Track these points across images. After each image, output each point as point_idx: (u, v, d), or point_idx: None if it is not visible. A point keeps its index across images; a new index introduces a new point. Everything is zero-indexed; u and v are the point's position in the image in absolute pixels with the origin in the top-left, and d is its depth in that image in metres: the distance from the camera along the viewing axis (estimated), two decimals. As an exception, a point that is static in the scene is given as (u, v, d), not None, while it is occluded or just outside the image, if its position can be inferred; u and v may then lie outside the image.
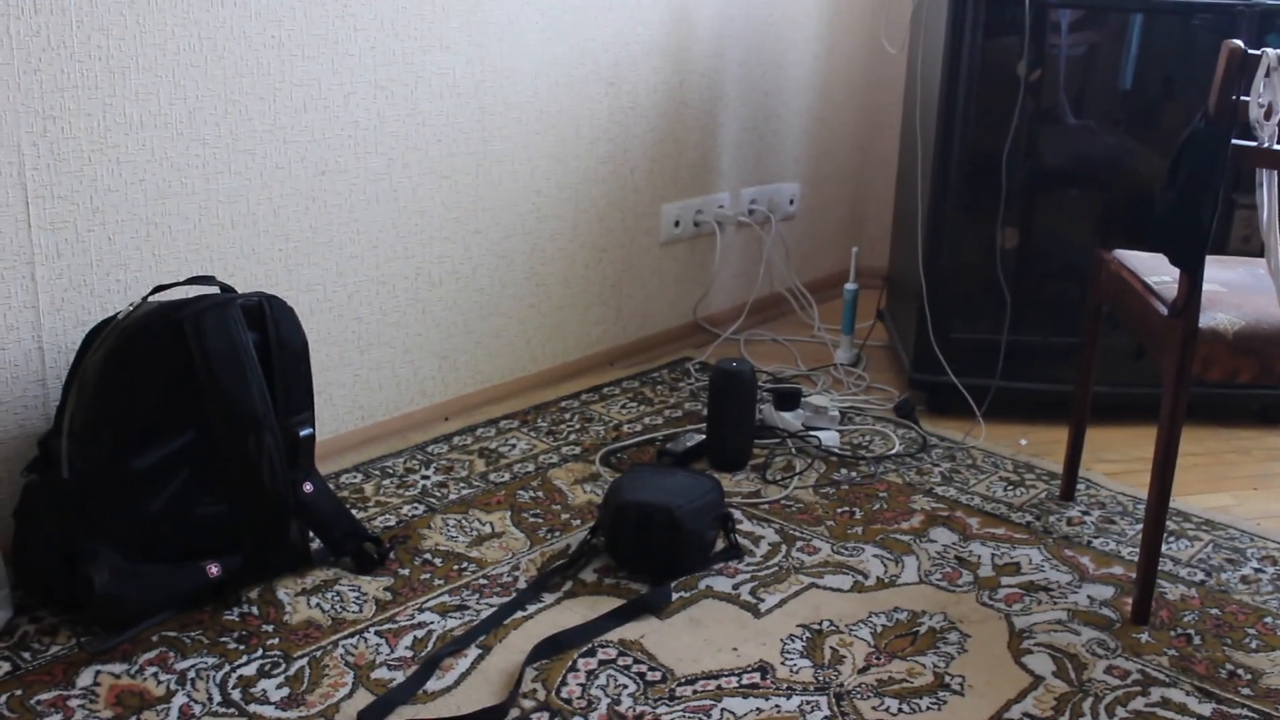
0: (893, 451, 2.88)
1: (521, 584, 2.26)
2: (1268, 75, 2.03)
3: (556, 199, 3.07)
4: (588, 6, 3.02)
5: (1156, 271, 2.33)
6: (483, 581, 2.27)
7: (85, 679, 1.95)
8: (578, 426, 2.95)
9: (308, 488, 2.26)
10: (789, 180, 3.74)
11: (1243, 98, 2.06)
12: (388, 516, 2.50)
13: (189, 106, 2.36)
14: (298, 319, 2.25)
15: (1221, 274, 2.37)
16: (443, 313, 2.90)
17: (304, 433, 2.25)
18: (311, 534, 2.29)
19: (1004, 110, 2.95)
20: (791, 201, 3.76)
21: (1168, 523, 2.58)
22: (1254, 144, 2.07)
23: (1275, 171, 2.12)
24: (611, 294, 3.29)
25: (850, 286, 3.38)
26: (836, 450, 2.85)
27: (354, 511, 2.48)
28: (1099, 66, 3.12)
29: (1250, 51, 2.02)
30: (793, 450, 2.85)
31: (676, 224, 3.40)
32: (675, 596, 2.23)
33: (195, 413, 2.11)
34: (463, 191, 2.87)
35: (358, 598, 2.21)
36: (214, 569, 2.13)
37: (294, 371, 2.24)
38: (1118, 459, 2.91)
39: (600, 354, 3.30)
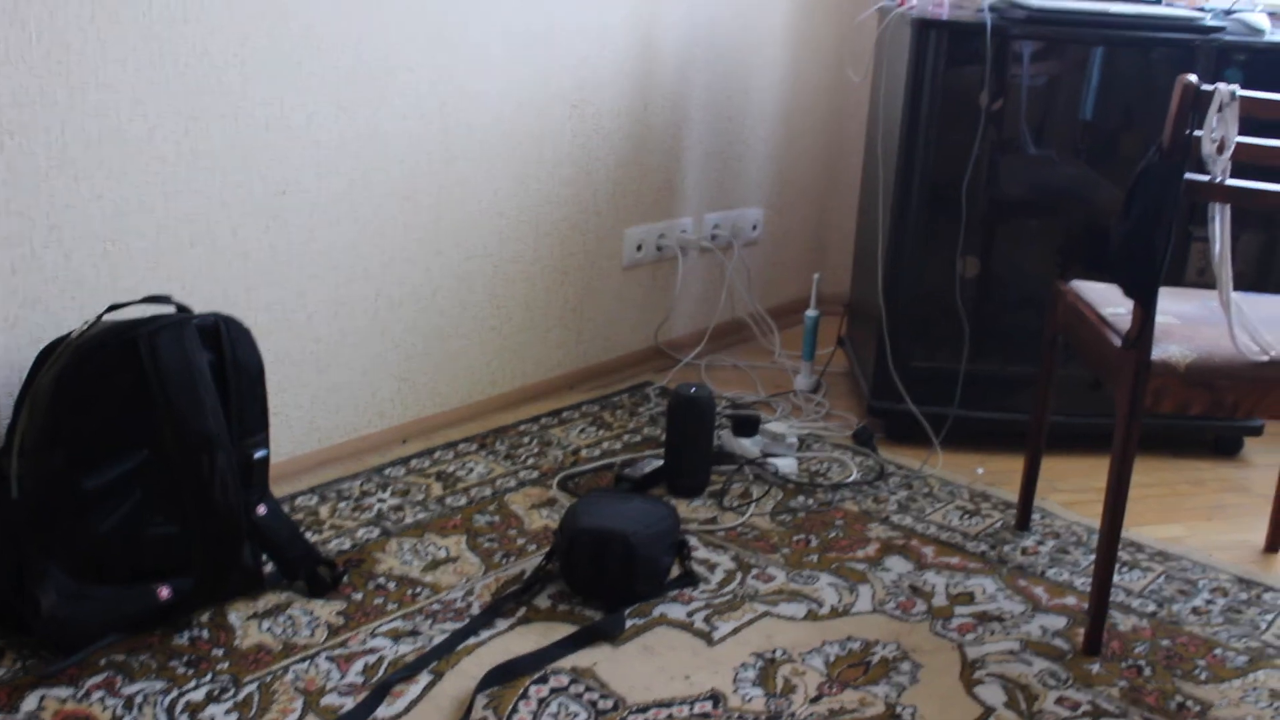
0: (850, 479, 2.89)
1: (475, 609, 2.25)
2: (1220, 111, 2.05)
3: (518, 221, 3.07)
4: (553, 30, 3.03)
5: (1111, 303, 2.35)
6: (436, 606, 2.26)
7: (30, 703, 1.93)
8: (536, 450, 2.94)
9: (261, 510, 2.25)
10: (752, 206, 3.76)
11: (1196, 133, 2.08)
12: (342, 539, 2.49)
13: (149, 124, 2.35)
14: (254, 340, 2.24)
15: (1175, 306, 2.39)
16: (402, 334, 2.89)
17: (258, 454, 2.24)
18: (265, 557, 2.28)
19: (965, 140, 2.97)
20: (755, 227, 3.77)
21: (1121, 553, 2.59)
22: (1206, 178, 2.10)
23: (1227, 206, 2.14)
24: (573, 317, 3.29)
25: (811, 313, 3.39)
26: (794, 477, 2.86)
27: (308, 534, 2.47)
28: (1060, 97, 3.15)
29: (1204, 87, 2.05)
30: (750, 477, 2.85)
31: (639, 248, 3.40)
32: (629, 624, 2.23)
33: (148, 433, 2.09)
34: (424, 213, 2.86)
35: (310, 622, 2.19)
36: (165, 591, 2.11)
37: (249, 393, 2.22)
38: (1073, 489, 2.93)
39: (560, 377, 3.30)
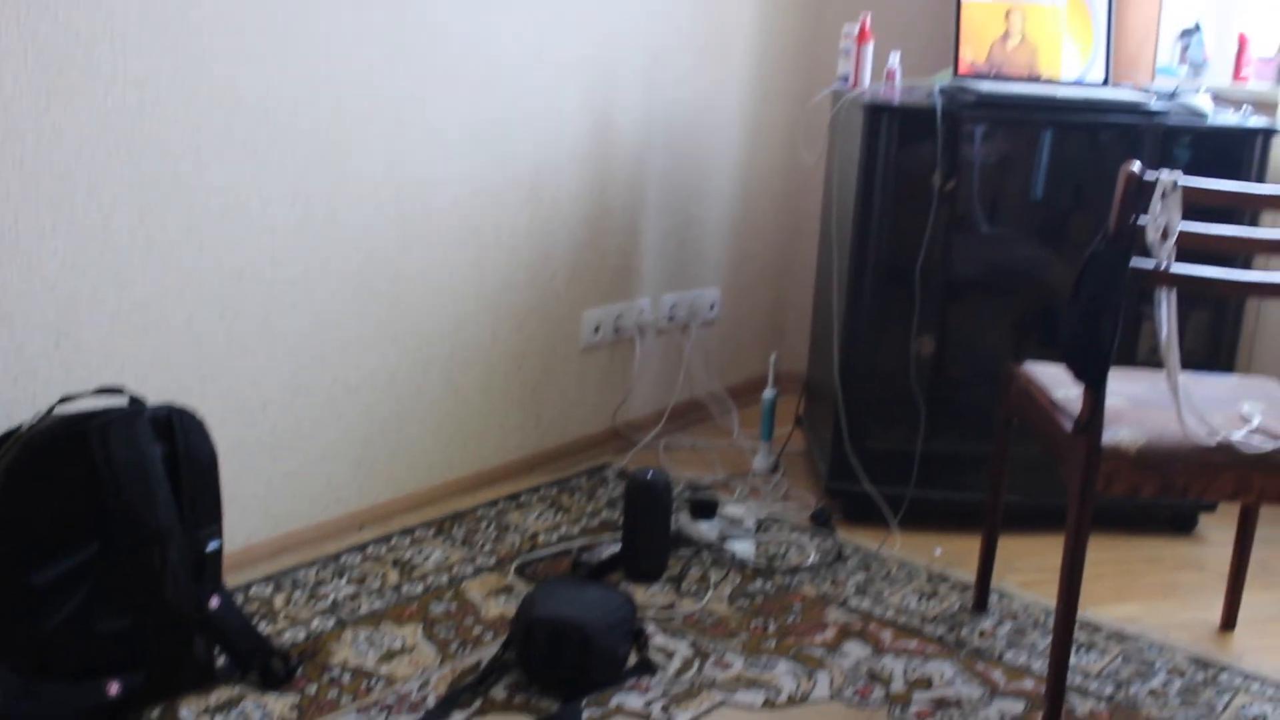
0: (808, 562, 2.89)
1: (431, 701, 2.23)
2: (1164, 198, 2.08)
3: (476, 305, 3.08)
4: (510, 115, 3.05)
5: (1063, 386, 2.37)
6: (391, 699, 2.24)
7: (-26, 804, 1.90)
8: (493, 536, 2.93)
9: (214, 602, 2.23)
10: (710, 286, 3.78)
11: (1141, 220, 2.11)
12: (297, 630, 2.46)
13: (103, 213, 2.35)
14: (207, 431, 2.23)
15: (1126, 387, 2.42)
16: (358, 420, 2.88)
17: (211, 546, 2.22)
18: (217, 649, 2.25)
19: (918, 220, 3.00)
20: (712, 307, 3.79)
21: (1078, 634, 2.60)
22: (1152, 264, 2.13)
23: (1173, 291, 2.17)
24: (530, 400, 3.29)
25: (768, 393, 3.40)
26: (752, 561, 2.85)
27: (262, 625, 2.44)
28: (1011, 177, 3.20)
29: (1147, 176, 2.08)
30: (708, 561, 2.84)
31: (597, 330, 3.41)
32: (586, 714, 2.21)
33: (99, 527, 2.07)
34: (381, 298, 2.87)
35: (263, 716, 2.16)
36: (114, 687, 2.08)
37: (202, 484, 2.21)
38: (1031, 569, 2.93)
39: (518, 461, 3.29)
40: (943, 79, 3.17)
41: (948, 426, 3.15)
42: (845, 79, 3.24)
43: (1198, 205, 2.12)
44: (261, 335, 2.65)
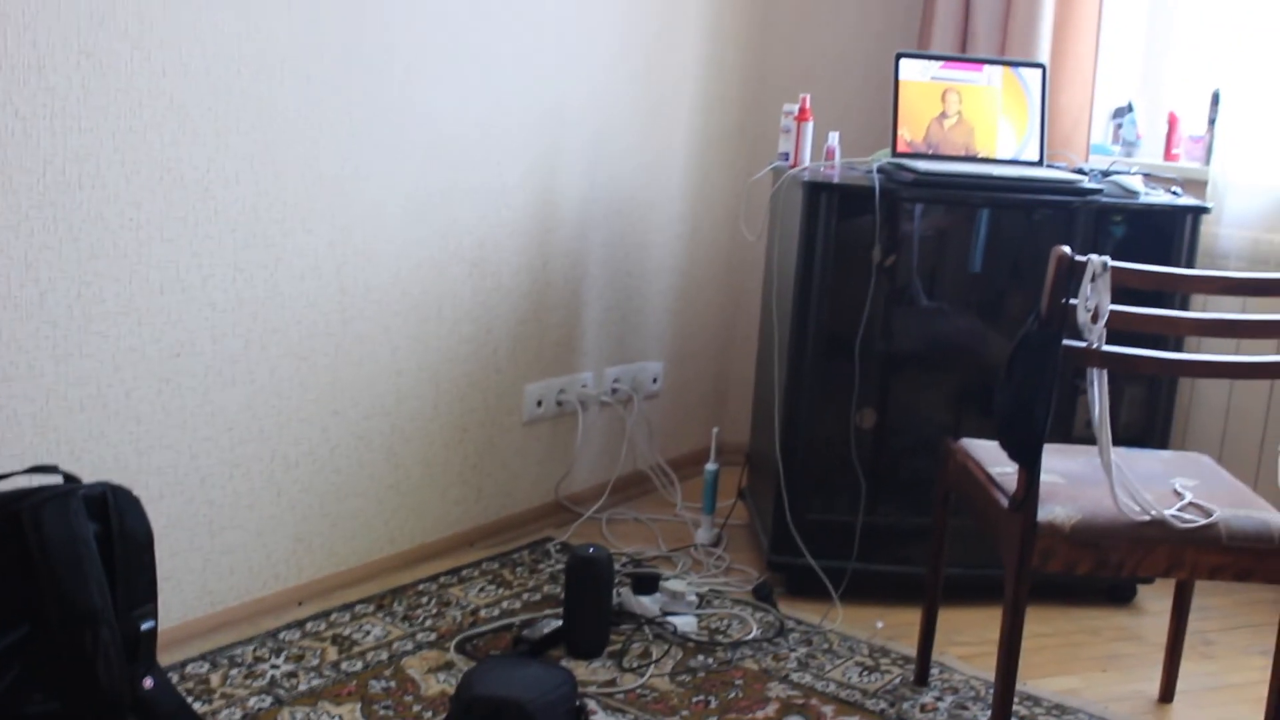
0: (750, 636, 2.89)
1: (367, 782, 2.21)
2: (1094, 280, 2.12)
3: (417, 379, 3.08)
4: (452, 189, 3.07)
5: (999, 462, 2.40)
6: (327, 780, 2.21)
7: None
8: (434, 611, 2.91)
9: (148, 683, 2.19)
10: (653, 359, 3.80)
11: (1072, 301, 2.15)
12: (233, 710, 2.43)
13: (40, 289, 2.34)
14: (143, 509, 2.21)
15: (1062, 464, 2.45)
16: (298, 494, 2.86)
17: (145, 626, 2.19)
18: (150, 731, 2.22)
19: (858, 294, 3.04)
20: (655, 380, 3.81)
21: (1018, 708, 2.61)
22: (1084, 344, 2.17)
23: (1104, 370, 2.21)
24: (472, 474, 3.28)
25: (710, 467, 3.41)
26: (694, 636, 2.85)
27: (198, 705, 2.41)
28: (950, 251, 3.25)
29: (1077, 258, 2.12)
30: (650, 636, 2.84)
31: (539, 404, 3.42)
32: (525, 795, 2.19)
33: (30, 607, 2.04)
34: (321, 373, 2.86)
35: (195, 800, 2.13)
36: (43, 772, 2.05)
37: (137, 563, 2.18)
38: (972, 641, 2.95)
39: (460, 534, 3.28)
40: (881, 157, 3.22)
41: (890, 498, 3.17)
42: (786, 157, 3.28)
43: (1127, 287, 2.16)
44: (200, 410, 2.64)
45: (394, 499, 3.09)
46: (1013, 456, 2.20)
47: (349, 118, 2.81)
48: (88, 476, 2.27)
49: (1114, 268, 2.12)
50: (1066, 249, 2.13)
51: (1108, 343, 2.18)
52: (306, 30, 2.69)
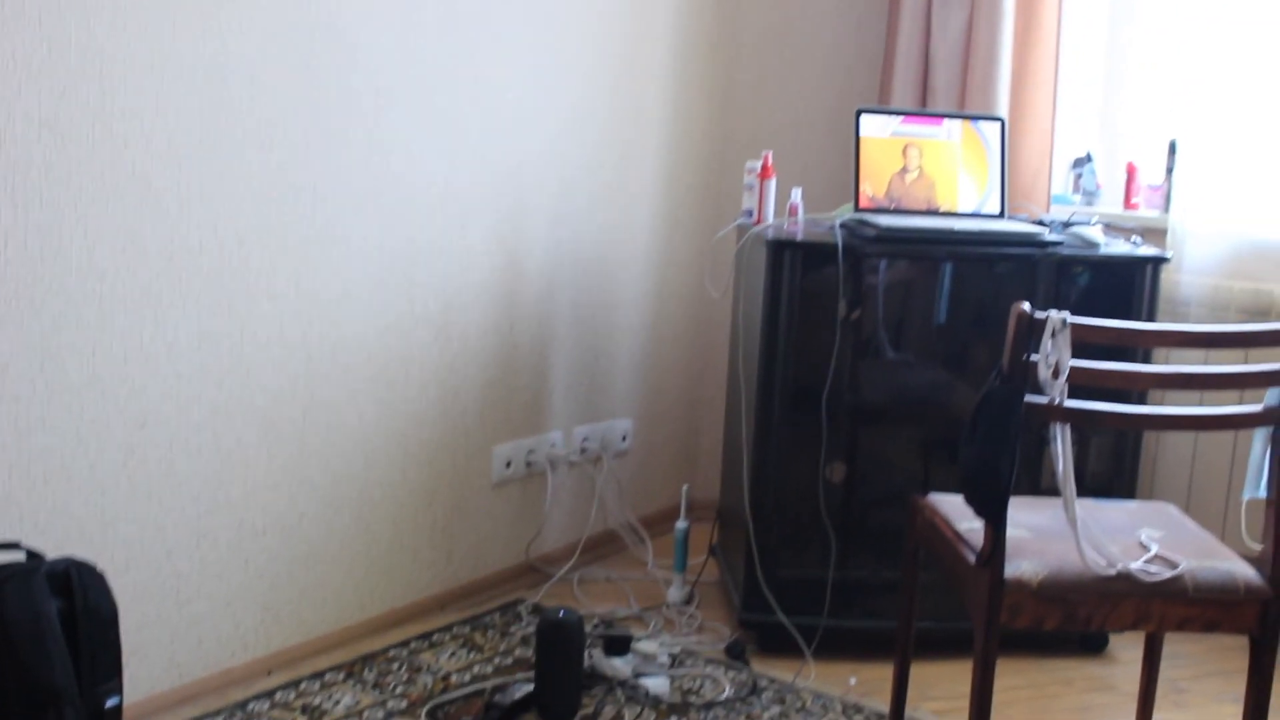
0: (722, 697, 2.88)
1: None
2: (1053, 336, 2.14)
3: (385, 444, 3.07)
4: (417, 252, 3.08)
5: (966, 518, 2.40)
6: None
7: None
8: (405, 678, 2.89)
9: (113, 760, 2.17)
10: (622, 417, 3.80)
11: (1033, 357, 2.16)
12: (201, 784, 2.40)
13: (2, 361, 2.33)
14: (107, 584, 2.19)
15: (1029, 517, 2.46)
16: (266, 563, 2.84)
17: (110, 703, 2.17)
18: (116, 809, 2.19)
19: (824, 348, 3.05)
20: (624, 438, 3.80)
21: (992, 764, 2.60)
22: (1046, 400, 2.18)
23: (1067, 425, 2.22)
24: (442, 537, 3.27)
25: (681, 524, 3.41)
26: (666, 698, 2.83)
27: (164, 780, 2.39)
28: (914, 304, 3.27)
29: (1037, 315, 2.14)
30: (622, 699, 2.82)
31: (508, 465, 3.41)
32: None
33: (-8, 687, 2.02)
34: (288, 440, 2.85)
35: None
36: None
37: (101, 639, 2.17)
38: (945, 696, 2.94)
39: (431, 599, 3.26)
40: (844, 213, 3.24)
41: (861, 552, 3.17)
42: (750, 213, 3.30)
43: (1087, 342, 2.18)
44: (166, 480, 2.62)
45: (363, 564, 3.07)
46: (978, 513, 2.21)
47: (312, 184, 2.82)
48: (52, 551, 2.26)
49: (1073, 324, 2.13)
50: (1026, 306, 2.14)
51: (1071, 396, 2.20)
52: (269, 99, 2.70)
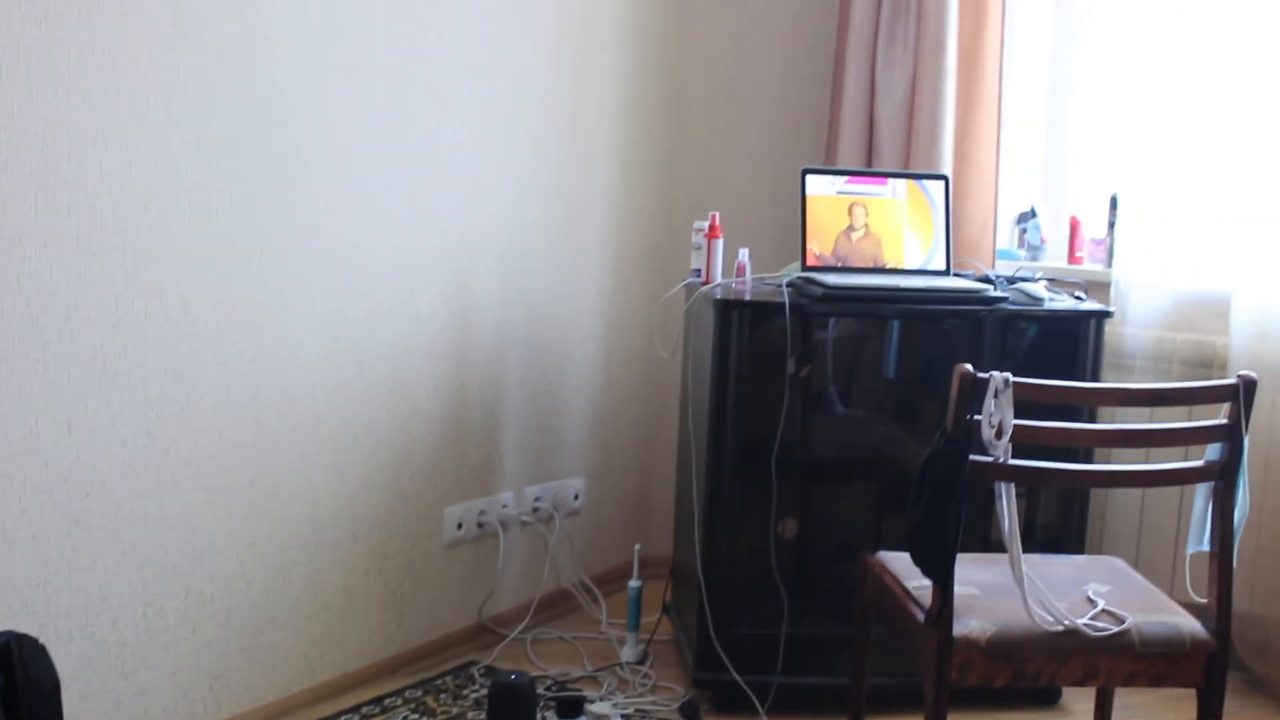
0: (676, 758, 2.87)
1: None
2: (996, 396, 2.16)
3: (335, 508, 3.06)
4: (365, 316, 3.07)
5: (915, 576, 2.41)
6: None
7: None
8: (355, 745, 2.87)
9: (55, 839, 2.14)
10: (574, 476, 3.79)
11: (976, 417, 2.18)
12: None
13: (-57, 433, 2.31)
14: (49, 658, 2.17)
15: (977, 574, 2.47)
16: (215, 631, 2.82)
17: (53, 779, 2.14)
18: None
19: (774, 405, 3.06)
20: (576, 497, 3.80)
21: (946, 822, 2.59)
22: (990, 459, 2.20)
23: (1012, 484, 2.24)
24: (393, 600, 3.24)
25: (634, 584, 3.40)
26: (619, 760, 2.83)
27: None
28: (863, 360, 3.29)
29: (979, 375, 2.16)
30: (575, 762, 2.81)
31: (460, 526, 3.40)
32: None
33: (-69, 766, 1.99)
34: (236, 505, 2.83)
35: None
36: None
37: (44, 714, 2.14)
38: (900, 753, 2.95)
39: (383, 662, 3.23)
40: (792, 271, 3.27)
41: (814, 609, 3.17)
42: (698, 273, 3.32)
43: (1030, 401, 2.21)
44: (111, 549, 2.60)
45: (313, 629, 3.05)
46: (925, 573, 2.22)
47: (259, 249, 2.81)
48: (-8, 626, 2.23)
49: (1016, 383, 2.16)
50: (968, 367, 2.17)
51: (1017, 454, 2.22)
52: (215, 165, 2.70)
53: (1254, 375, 2.25)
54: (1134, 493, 3.53)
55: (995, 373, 2.15)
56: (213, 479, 2.78)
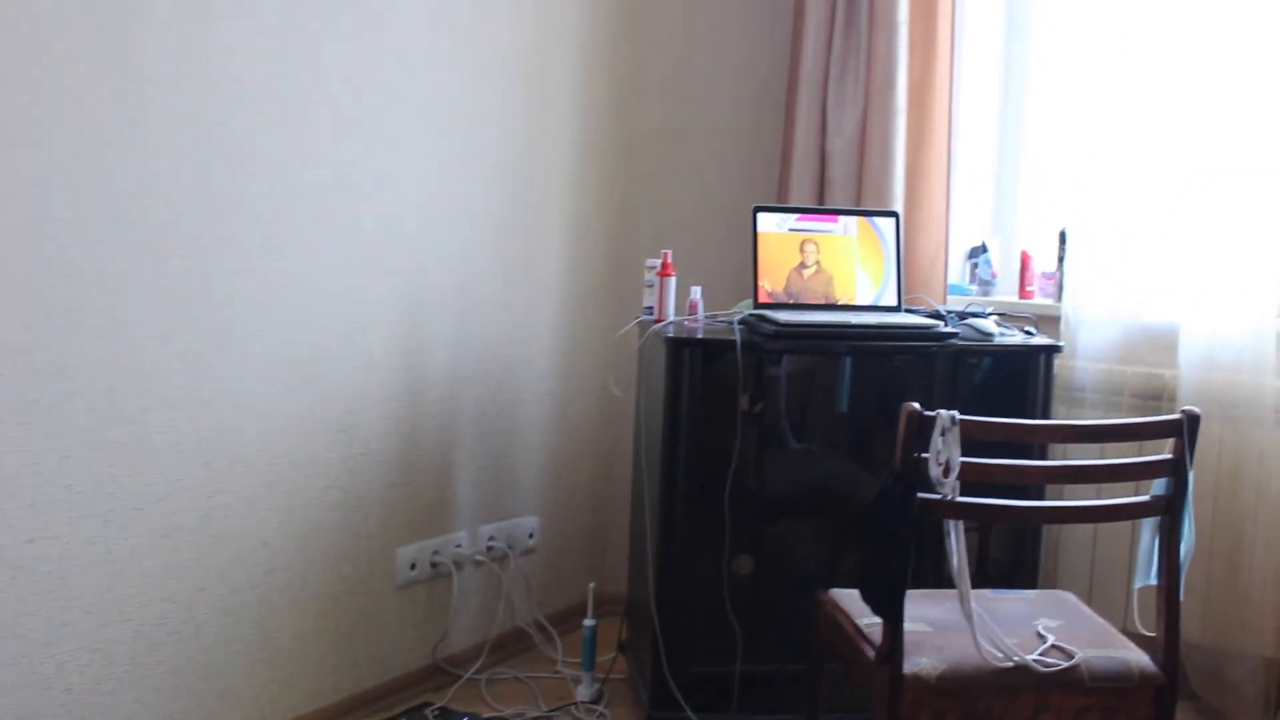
0: (631, 799, 2.85)
1: None
2: (943, 434, 2.17)
3: (286, 550, 3.03)
4: (317, 357, 3.06)
5: (867, 613, 2.42)
6: None
7: None
8: (307, 790, 2.84)
9: None
10: (528, 514, 3.78)
11: (924, 455, 2.19)
12: None
13: (-115, 480, 2.28)
14: (-9, 708, 2.14)
15: (929, 610, 2.48)
16: (163, 676, 2.78)
17: (-6, 832, 2.11)
18: None
19: (727, 442, 3.07)
20: (531, 535, 3.79)
21: None
22: (938, 496, 2.21)
23: (960, 521, 2.25)
24: (345, 643, 3.22)
25: (589, 623, 3.39)
26: (574, 802, 2.81)
27: None
28: (816, 395, 3.30)
29: (926, 414, 2.17)
30: (529, 805, 2.79)
31: (413, 566, 3.38)
32: None
33: None
34: (185, 549, 2.81)
35: None
36: None
37: (-15, 765, 2.11)
38: (854, 790, 2.94)
39: (335, 705, 3.20)
40: (744, 309, 3.28)
41: (769, 646, 3.17)
42: (650, 311, 3.33)
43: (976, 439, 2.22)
44: (57, 596, 2.57)
45: (265, 674, 3.02)
46: (875, 610, 2.23)
47: (207, 292, 2.80)
48: (-66, 675, 2.20)
49: (962, 421, 2.17)
50: (916, 405, 2.18)
51: (966, 489, 2.23)
52: (164, 205, 2.69)
53: (1197, 411, 2.28)
54: (1086, 526, 3.55)
55: (942, 411, 2.17)
56: (161, 522, 2.75)
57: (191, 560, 2.82)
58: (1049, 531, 3.44)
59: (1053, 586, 3.41)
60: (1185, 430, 2.26)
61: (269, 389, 2.95)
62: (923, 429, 2.18)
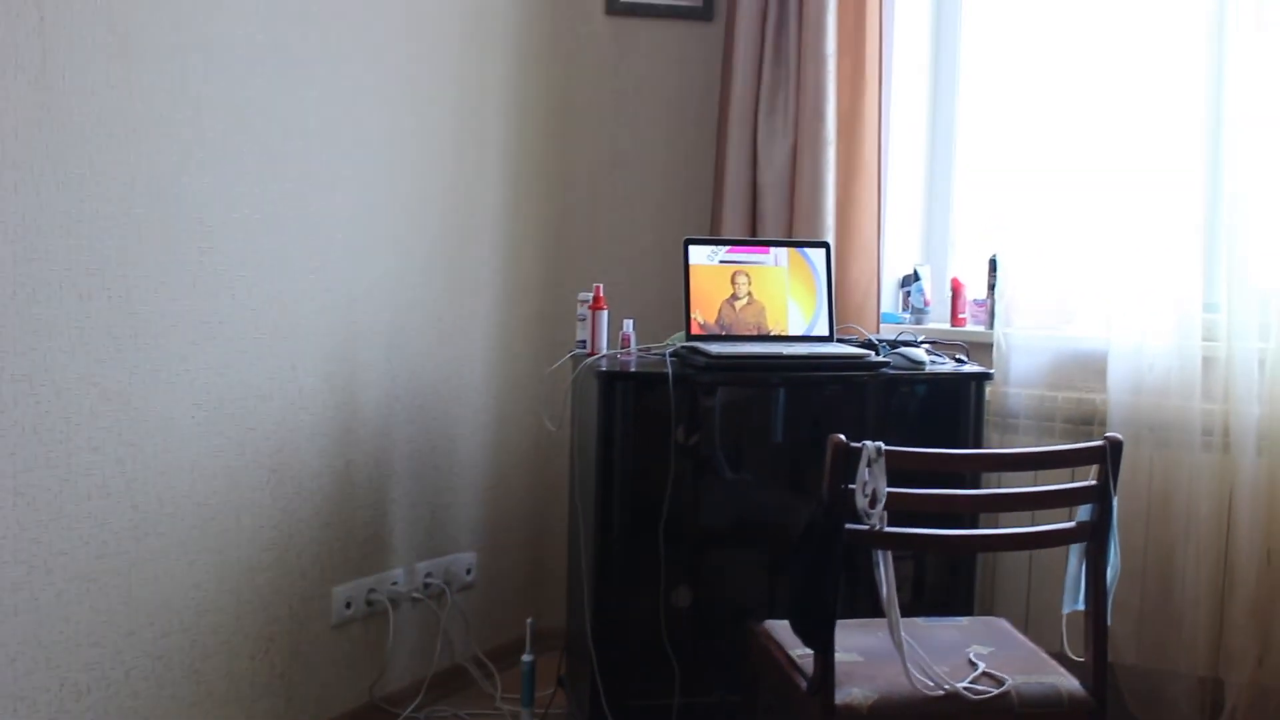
0: (568, 837, 2.84)
1: None
2: (869, 465, 2.18)
3: (218, 591, 3.00)
4: (247, 396, 3.04)
5: (799, 644, 2.42)
6: None
7: None
8: (240, 836, 2.80)
9: None
10: (465, 550, 3.76)
11: (851, 486, 2.20)
12: None
13: None
14: (-91, 761, 2.10)
15: (862, 640, 2.48)
16: (91, 723, 2.75)
17: None
18: None
19: (662, 475, 3.07)
20: (469, 571, 3.77)
21: None
22: (865, 527, 2.22)
23: (889, 551, 2.26)
24: (280, 683, 3.18)
25: (527, 658, 3.37)
26: (510, 841, 2.79)
27: None
28: (750, 426, 3.32)
29: (852, 445, 2.18)
30: (465, 845, 2.77)
31: (348, 605, 3.35)
32: None
33: None
34: (113, 593, 2.77)
35: None
36: None
37: (-98, 820, 2.06)
38: (794, 821, 2.93)
39: (270, 748, 3.17)
40: (677, 341, 3.29)
41: (707, 678, 3.16)
42: (583, 344, 3.33)
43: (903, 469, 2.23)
44: (-20, 643, 2.53)
45: (198, 718, 2.98)
46: (805, 641, 2.23)
47: (133, 333, 2.77)
48: None
49: (888, 452, 2.18)
50: (841, 436, 2.19)
51: (896, 519, 2.24)
52: (87, 246, 2.66)
53: (1119, 437, 2.30)
54: (1021, 552, 3.57)
55: (868, 442, 2.18)
56: (87, 567, 2.71)
57: (119, 604, 2.78)
58: (985, 557, 3.46)
59: (990, 611, 3.42)
60: (1108, 456, 2.29)
61: (198, 429, 2.93)
62: (849, 460, 2.19)
